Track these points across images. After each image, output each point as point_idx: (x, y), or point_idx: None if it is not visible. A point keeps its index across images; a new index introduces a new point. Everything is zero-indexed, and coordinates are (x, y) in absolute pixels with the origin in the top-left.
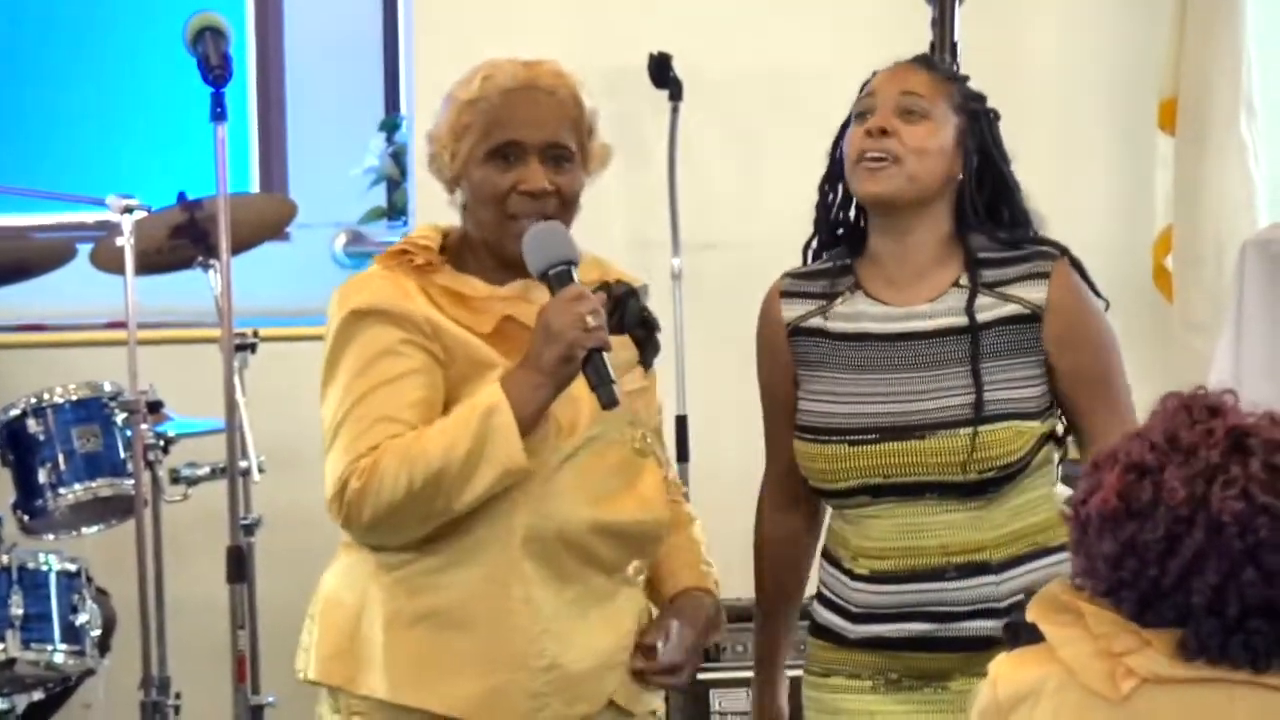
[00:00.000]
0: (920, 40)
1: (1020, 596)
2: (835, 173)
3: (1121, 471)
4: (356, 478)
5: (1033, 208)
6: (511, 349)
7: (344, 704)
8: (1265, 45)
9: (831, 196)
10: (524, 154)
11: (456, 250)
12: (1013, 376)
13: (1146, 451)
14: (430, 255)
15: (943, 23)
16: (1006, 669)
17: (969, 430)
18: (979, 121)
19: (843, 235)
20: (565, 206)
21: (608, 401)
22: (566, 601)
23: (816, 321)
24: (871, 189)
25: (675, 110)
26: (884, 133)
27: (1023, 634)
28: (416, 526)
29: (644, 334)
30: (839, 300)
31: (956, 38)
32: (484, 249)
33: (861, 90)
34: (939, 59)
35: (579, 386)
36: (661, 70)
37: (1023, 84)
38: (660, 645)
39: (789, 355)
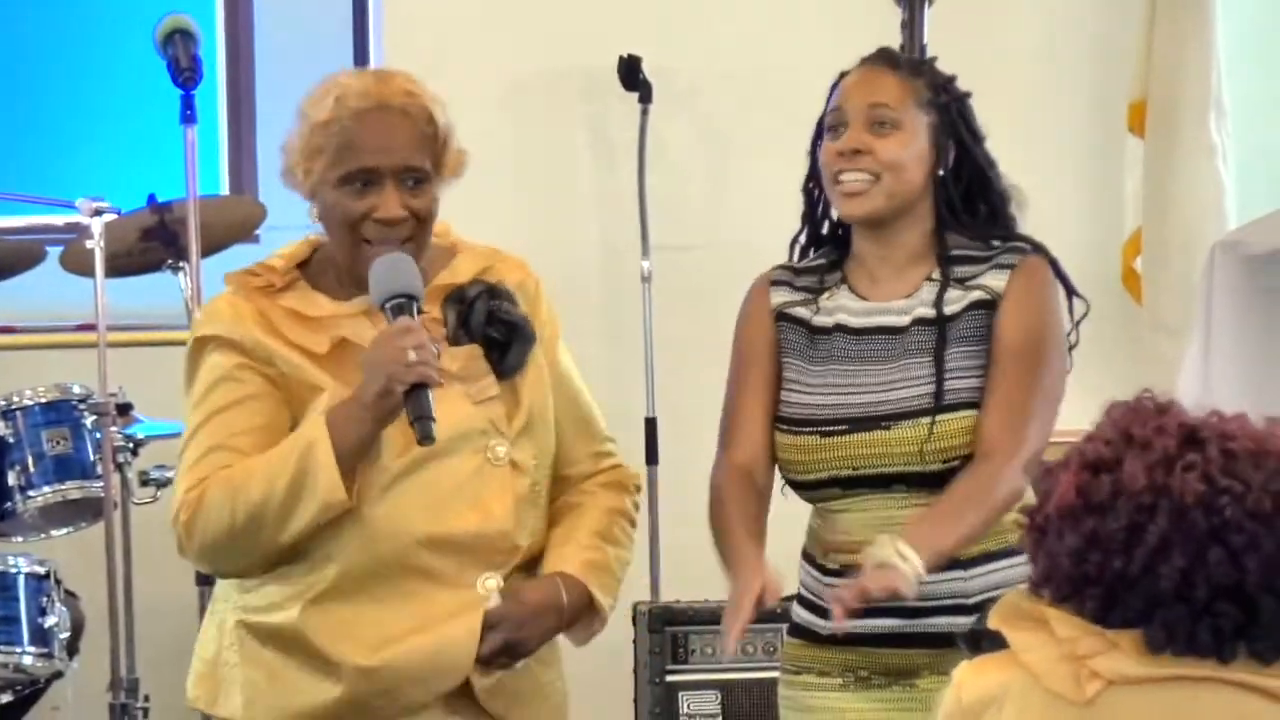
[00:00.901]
0: (890, 42)
1: (991, 596)
2: (815, 173)
3: (1077, 470)
4: (185, 509)
5: (1011, 183)
6: (345, 370)
7: None
8: (1234, 47)
9: (817, 193)
10: (378, 179)
11: (319, 262)
12: (975, 365)
13: (1101, 448)
14: (274, 276)
15: (912, 25)
16: (970, 674)
17: (930, 419)
18: (950, 112)
19: (828, 234)
20: (421, 226)
21: (421, 437)
22: (407, 615)
23: (801, 312)
24: (852, 212)
25: (645, 112)
26: (857, 153)
27: (984, 642)
28: (245, 558)
29: (501, 335)
30: (825, 295)
31: (925, 40)
32: (337, 265)
33: (830, 93)
34: (903, 50)
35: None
36: (631, 73)
37: (991, 87)
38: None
39: (773, 337)
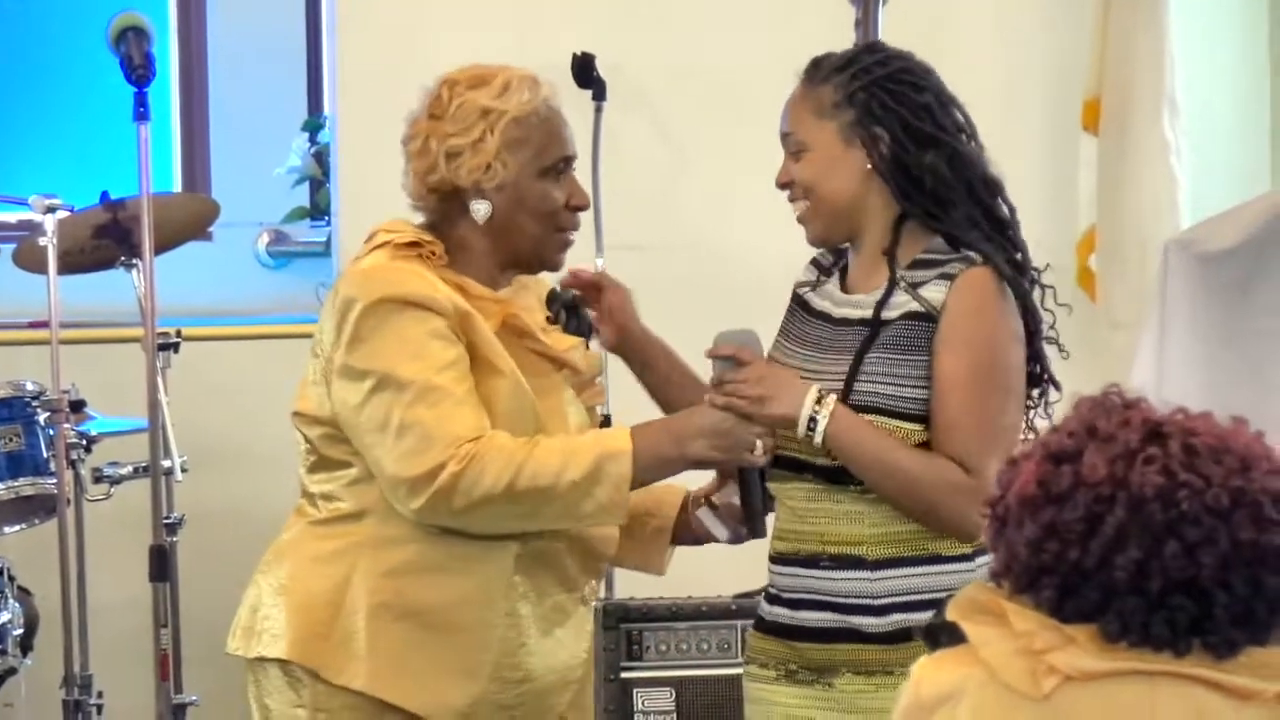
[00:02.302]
0: (844, 41)
1: (900, 600)
2: None
3: (1040, 460)
4: (456, 462)
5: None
6: (509, 350)
7: (309, 693)
8: (1188, 45)
9: None
10: (568, 169)
11: (447, 254)
12: (896, 373)
13: (1064, 440)
14: (438, 250)
15: (866, 23)
16: (929, 669)
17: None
18: (868, 99)
19: None
20: None
21: (752, 533)
22: (539, 617)
23: (807, 292)
24: (809, 239)
25: (599, 110)
26: (784, 185)
27: (942, 636)
28: (501, 524)
29: (587, 336)
30: (830, 281)
31: (879, 39)
32: (488, 258)
33: None
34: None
35: (557, 400)
36: (585, 71)
37: (947, 83)
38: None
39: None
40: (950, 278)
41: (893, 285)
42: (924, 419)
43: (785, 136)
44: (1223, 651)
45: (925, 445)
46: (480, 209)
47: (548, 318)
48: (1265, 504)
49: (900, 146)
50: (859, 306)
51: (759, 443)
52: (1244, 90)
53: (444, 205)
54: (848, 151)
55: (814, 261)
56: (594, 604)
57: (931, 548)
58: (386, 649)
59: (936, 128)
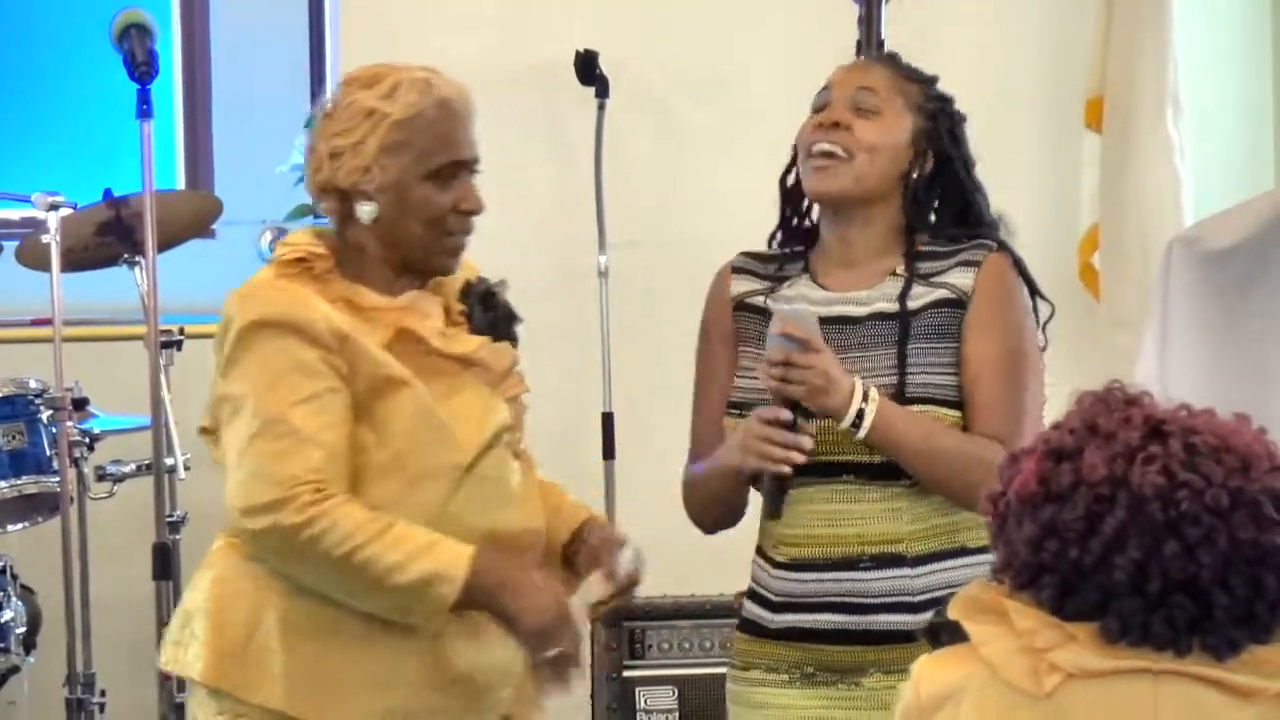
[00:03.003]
0: (847, 38)
1: (940, 594)
2: (795, 164)
3: (1040, 457)
4: (297, 511)
5: (1000, 214)
6: (406, 360)
7: (230, 709)
8: (1190, 43)
9: (791, 184)
10: (460, 172)
11: (342, 259)
12: (935, 362)
13: (1065, 437)
14: (328, 264)
15: (869, 21)
16: (929, 668)
17: None
18: (938, 123)
19: (801, 228)
20: None
21: (769, 513)
22: (466, 618)
23: (760, 300)
24: (819, 188)
25: (601, 107)
26: (836, 126)
27: (944, 634)
28: (323, 585)
29: (511, 330)
30: (785, 284)
31: (883, 35)
32: (382, 261)
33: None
34: (859, 45)
35: (467, 403)
36: (587, 67)
37: (949, 82)
38: (616, 560)
39: (731, 329)
40: (974, 264)
41: (910, 279)
42: (960, 406)
43: (861, 90)
44: (1223, 651)
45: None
46: (365, 211)
47: (461, 312)
48: (1265, 503)
49: (935, 178)
50: (861, 303)
51: (768, 446)
52: (1247, 88)
53: (339, 206)
54: (905, 149)
55: (744, 270)
56: None
57: (961, 539)
58: (301, 666)
59: (973, 185)
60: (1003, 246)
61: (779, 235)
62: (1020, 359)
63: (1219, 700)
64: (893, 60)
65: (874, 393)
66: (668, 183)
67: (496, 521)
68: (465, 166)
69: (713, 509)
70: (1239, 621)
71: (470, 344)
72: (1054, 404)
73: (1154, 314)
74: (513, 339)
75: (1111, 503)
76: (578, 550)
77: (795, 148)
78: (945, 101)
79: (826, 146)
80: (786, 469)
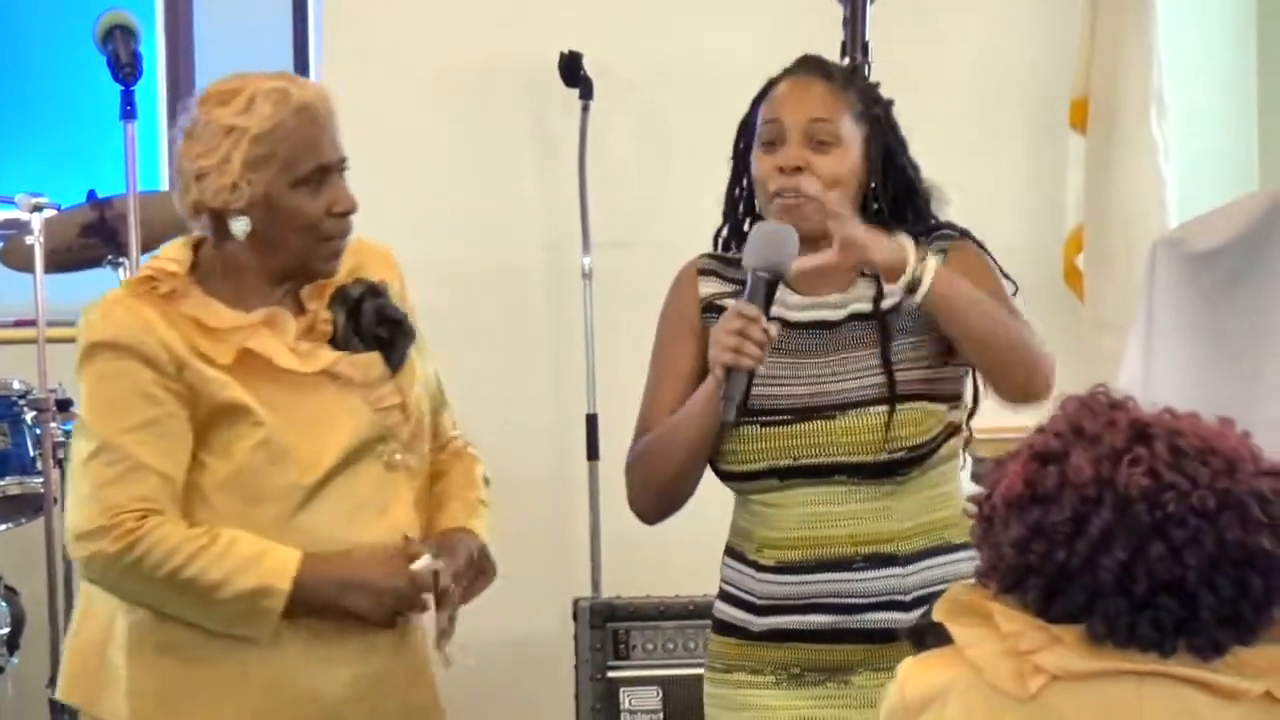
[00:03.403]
0: (832, 39)
1: (931, 592)
2: (739, 178)
3: (1026, 460)
4: (118, 538)
5: (931, 183)
6: (250, 381)
7: None
8: (1176, 44)
9: (739, 191)
10: (327, 174)
11: (208, 271)
12: (919, 356)
13: (1051, 440)
14: (176, 282)
15: (854, 21)
16: (914, 670)
17: (881, 409)
18: (880, 122)
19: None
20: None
21: (721, 417)
22: (322, 633)
23: (729, 303)
24: (799, 230)
25: (586, 109)
26: (799, 170)
27: (928, 637)
28: (157, 605)
29: (387, 334)
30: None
31: (868, 37)
32: (258, 273)
33: (758, 101)
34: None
35: (321, 419)
36: (572, 69)
37: (934, 83)
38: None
39: (700, 328)
40: (941, 252)
41: (882, 287)
42: (948, 400)
43: (815, 122)
44: (1208, 653)
45: (953, 427)
46: (239, 226)
47: (328, 320)
48: (1251, 505)
49: (885, 171)
50: (838, 306)
51: (732, 336)
52: (1231, 90)
53: (213, 224)
54: (861, 165)
55: (711, 273)
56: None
57: (947, 535)
58: (148, 685)
59: (913, 167)
60: (965, 235)
61: (726, 237)
62: (1008, 299)
63: (1204, 701)
64: (826, 69)
65: (930, 259)
66: (652, 184)
67: (355, 536)
68: (332, 169)
69: (662, 478)
70: (1224, 623)
71: (325, 359)
72: (1041, 407)
73: (1139, 315)
74: (391, 346)
75: (1098, 504)
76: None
77: (735, 161)
78: (875, 95)
79: (792, 193)
80: (760, 367)
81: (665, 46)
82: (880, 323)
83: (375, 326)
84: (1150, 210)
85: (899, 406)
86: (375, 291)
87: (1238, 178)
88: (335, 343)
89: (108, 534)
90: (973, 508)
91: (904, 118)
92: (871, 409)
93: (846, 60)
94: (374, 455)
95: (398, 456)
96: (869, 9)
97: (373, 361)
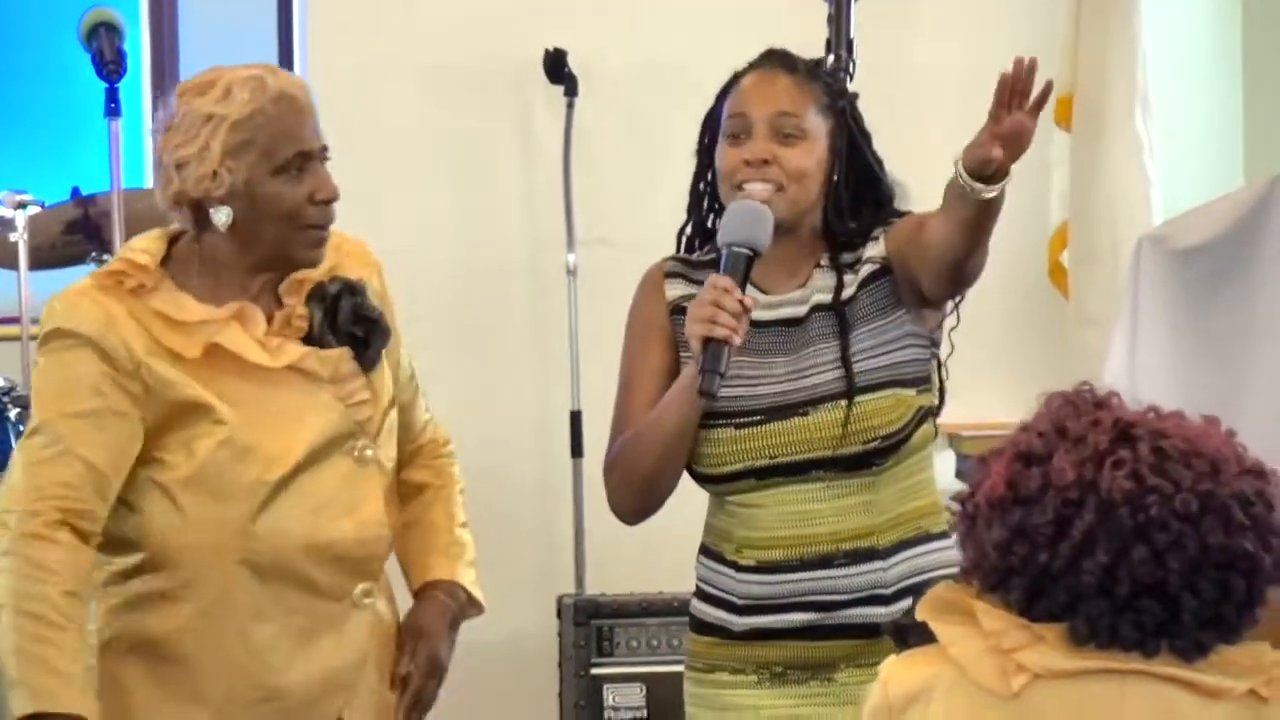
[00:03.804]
0: (817, 36)
1: (910, 584)
2: (703, 172)
3: (1009, 460)
4: (12, 532)
5: (894, 178)
6: (217, 378)
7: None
8: (1161, 41)
9: (704, 185)
10: (308, 162)
11: (183, 264)
12: (885, 340)
13: (1034, 440)
14: (145, 276)
15: (839, 18)
16: (898, 669)
17: (846, 401)
18: (845, 115)
19: (713, 229)
20: None
21: (700, 388)
22: (290, 631)
23: None
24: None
25: (570, 106)
26: (765, 163)
27: (911, 635)
28: None
29: (362, 332)
30: None
31: (853, 33)
32: (236, 265)
33: (724, 94)
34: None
35: (288, 414)
36: (556, 66)
37: (918, 80)
38: (410, 672)
39: (669, 331)
40: (885, 231)
41: (837, 271)
42: (918, 385)
43: (781, 115)
44: (1191, 653)
45: (924, 412)
46: (220, 216)
47: (302, 316)
48: (1234, 508)
49: (848, 168)
50: (800, 302)
51: (709, 308)
52: (1216, 87)
53: (193, 215)
54: (827, 158)
55: (677, 275)
56: (368, 605)
57: (924, 525)
58: (118, 683)
59: (877, 161)
60: (905, 216)
61: (691, 236)
62: None
63: (1186, 700)
64: (790, 63)
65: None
66: (636, 181)
67: (323, 532)
68: (313, 156)
69: (641, 474)
70: (1206, 624)
71: (293, 353)
72: (1025, 404)
73: (1123, 312)
74: (366, 344)
75: (1080, 507)
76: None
77: (700, 156)
78: (839, 88)
79: (760, 185)
80: (736, 338)
81: (650, 44)
82: (839, 314)
83: (351, 324)
84: (1135, 207)
85: (869, 396)
86: (353, 289)
87: (1222, 175)
88: (310, 339)
89: (10, 517)
90: (956, 505)
91: (889, 114)
92: (841, 402)
93: (831, 58)
94: (343, 451)
95: (368, 452)
96: (853, 6)
97: (343, 357)
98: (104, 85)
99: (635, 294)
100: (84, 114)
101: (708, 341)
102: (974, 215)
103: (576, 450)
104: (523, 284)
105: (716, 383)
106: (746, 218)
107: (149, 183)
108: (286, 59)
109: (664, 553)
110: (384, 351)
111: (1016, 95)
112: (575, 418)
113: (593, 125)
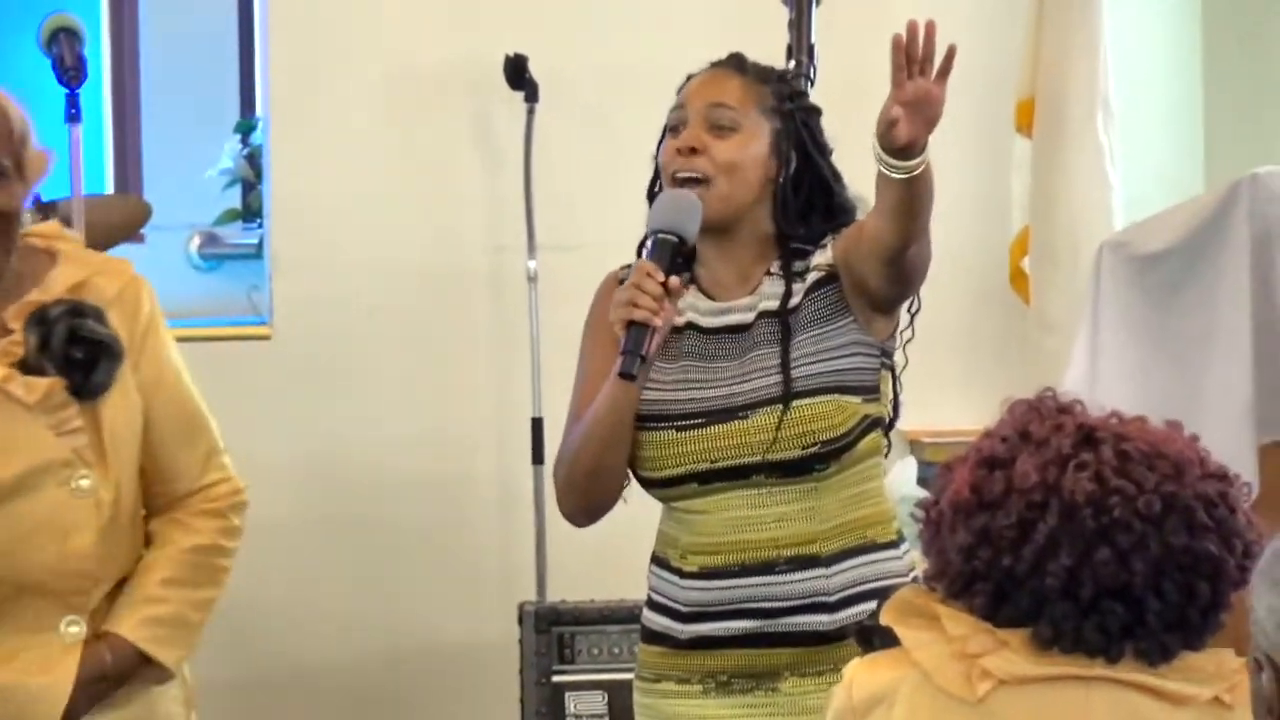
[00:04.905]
0: (778, 42)
1: (854, 592)
2: (659, 177)
3: (973, 466)
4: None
5: (856, 194)
6: None
7: None
8: (1122, 47)
9: (658, 188)
10: None
11: None
12: (829, 347)
13: (998, 445)
14: None
15: (799, 24)
16: (862, 671)
17: (794, 404)
18: (794, 121)
19: None
20: (5, 225)
21: (619, 370)
22: None
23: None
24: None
25: (531, 112)
26: (694, 151)
27: (876, 638)
28: None
29: (84, 355)
30: (686, 293)
31: (814, 39)
32: None
33: (677, 96)
34: (790, 50)
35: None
36: (517, 72)
37: (880, 86)
38: None
39: None
40: (831, 243)
41: (787, 279)
42: (864, 393)
43: (715, 107)
44: (1155, 657)
45: (870, 421)
46: None
47: (19, 340)
48: (1197, 509)
49: (800, 176)
50: (748, 309)
51: (628, 291)
52: (1177, 93)
53: None
54: (768, 157)
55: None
56: (75, 636)
57: (870, 535)
58: None
59: (833, 174)
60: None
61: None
62: None
63: (1152, 706)
64: (742, 64)
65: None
66: (597, 187)
67: (26, 557)
68: None
69: (581, 471)
70: (1171, 627)
71: None
72: (987, 410)
73: (1085, 318)
74: (90, 369)
75: (1043, 510)
76: None
77: (656, 161)
78: (797, 96)
79: (685, 174)
80: (656, 320)
81: (611, 50)
82: (782, 321)
83: (65, 347)
84: (1096, 213)
85: (810, 400)
86: (77, 312)
87: (1183, 181)
88: (27, 365)
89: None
90: (919, 513)
91: (851, 121)
92: (779, 406)
93: (792, 63)
94: (56, 480)
95: (84, 483)
96: (814, 11)
97: (54, 386)
98: (64, 91)
99: (593, 300)
100: (44, 119)
101: (630, 325)
102: (901, 197)
103: (538, 457)
104: (484, 290)
105: (637, 364)
106: (673, 205)
107: (110, 188)
108: (247, 65)
109: (625, 560)
110: (129, 379)
111: (917, 61)
112: (536, 424)
113: (554, 131)
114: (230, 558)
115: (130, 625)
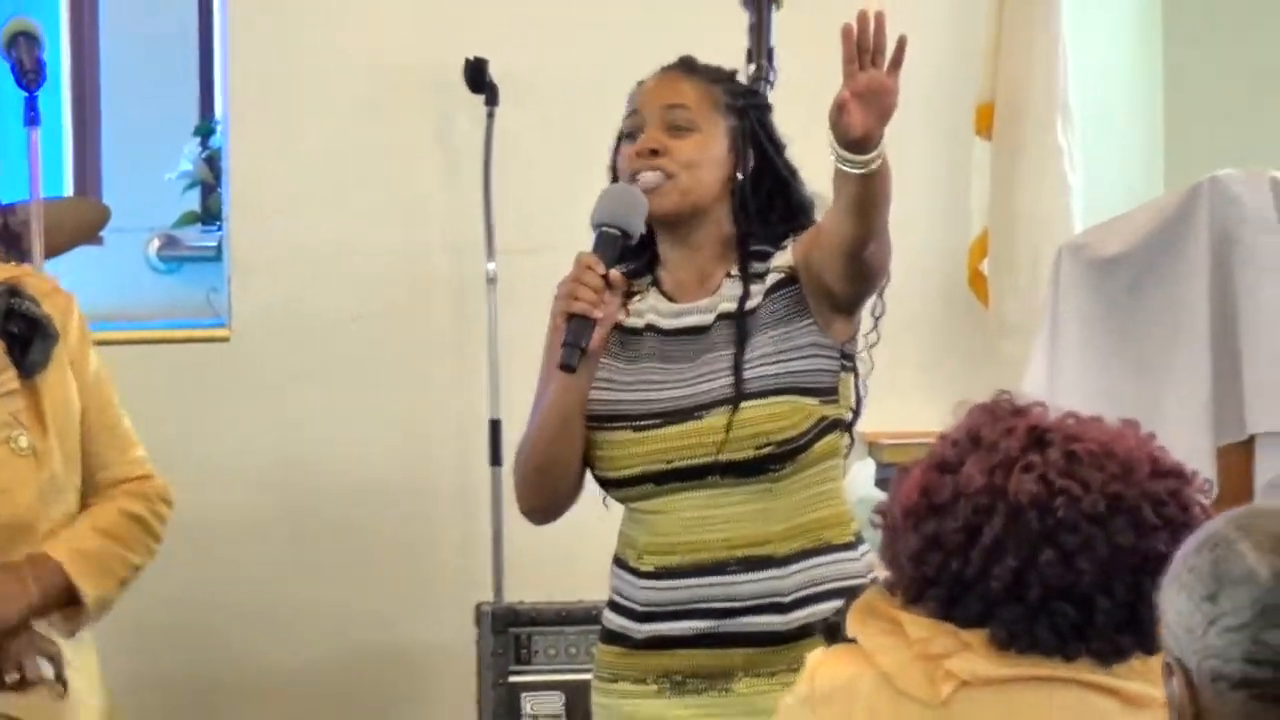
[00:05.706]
0: (737, 46)
1: (810, 593)
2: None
3: (925, 470)
4: None
5: (814, 190)
6: None
7: None
8: (1082, 50)
9: None
10: None
11: None
12: (786, 348)
13: (949, 449)
14: None
15: (759, 27)
16: (826, 662)
17: (745, 404)
18: (749, 119)
19: (634, 243)
20: None
21: (560, 361)
22: None
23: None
24: (654, 211)
25: (491, 115)
26: (654, 153)
27: (842, 634)
28: None
29: (21, 331)
30: (635, 298)
31: (773, 43)
32: None
33: (629, 103)
34: (750, 54)
35: None
36: (477, 75)
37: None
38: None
39: None
40: (791, 244)
41: (746, 280)
42: (822, 394)
43: (671, 108)
44: (1110, 657)
45: (828, 423)
46: None
47: None
48: (1145, 509)
49: (759, 174)
50: (707, 310)
51: (569, 284)
52: (1137, 97)
53: None
54: (726, 156)
55: None
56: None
57: (826, 536)
58: None
59: (789, 170)
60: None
61: None
62: None
63: (1112, 707)
64: (691, 66)
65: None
66: (557, 191)
67: None
68: None
69: (534, 466)
70: (1122, 627)
71: None
72: (943, 412)
73: (1044, 321)
74: (26, 345)
75: (990, 513)
76: None
77: (612, 169)
78: (750, 94)
79: (651, 175)
80: (596, 312)
81: (571, 53)
82: (739, 323)
83: (3, 321)
84: (1055, 216)
85: (760, 401)
86: (14, 293)
87: (1143, 184)
88: None
89: None
90: (879, 519)
91: (811, 124)
92: (731, 406)
93: (752, 67)
94: None
95: (23, 440)
96: (774, 15)
97: None
98: (23, 94)
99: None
100: (3, 123)
101: (570, 317)
102: (858, 193)
103: (496, 459)
104: (443, 292)
105: (576, 356)
106: (618, 199)
107: (69, 191)
108: (207, 68)
109: (583, 561)
110: (67, 366)
111: (868, 51)
112: (495, 426)
113: (514, 135)
114: (157, 540)
115: (60, 551)
